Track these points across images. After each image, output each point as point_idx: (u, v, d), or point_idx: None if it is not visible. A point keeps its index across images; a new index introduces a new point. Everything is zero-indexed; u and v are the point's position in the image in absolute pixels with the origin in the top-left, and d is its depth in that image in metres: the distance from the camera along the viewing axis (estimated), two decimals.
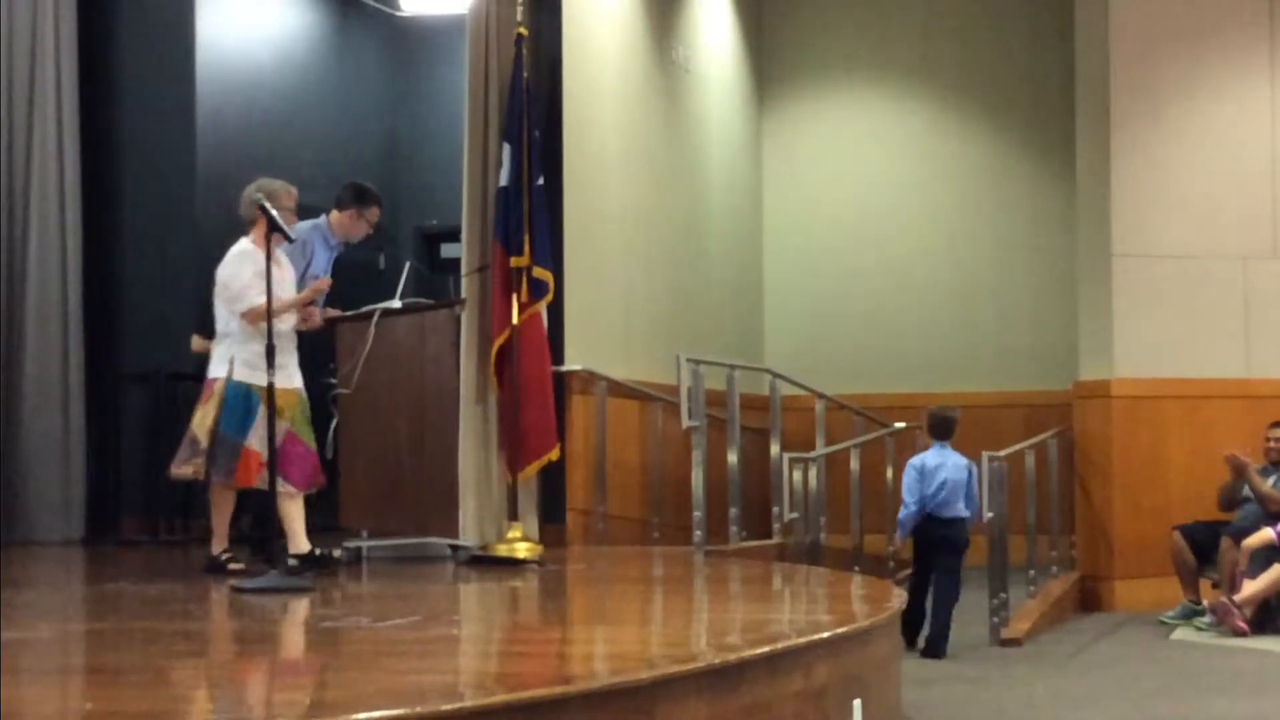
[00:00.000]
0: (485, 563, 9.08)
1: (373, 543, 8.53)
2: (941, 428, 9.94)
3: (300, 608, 6.97)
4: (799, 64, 15.38)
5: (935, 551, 9.62)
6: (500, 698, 4.24)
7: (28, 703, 4.46)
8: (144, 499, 11.69)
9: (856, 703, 5.75)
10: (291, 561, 8.13)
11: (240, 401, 8.12)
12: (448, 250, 13.05)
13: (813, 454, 11.52)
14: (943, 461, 9.73)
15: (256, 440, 8.07)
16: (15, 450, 11.61)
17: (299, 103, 12.87)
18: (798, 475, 10.97)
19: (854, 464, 12.21)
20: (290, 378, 8.26)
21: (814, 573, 9.04)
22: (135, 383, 11.65)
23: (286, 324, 8.28)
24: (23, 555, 10.53)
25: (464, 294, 9.72)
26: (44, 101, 11.86)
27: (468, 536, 9.36)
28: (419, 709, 4.03)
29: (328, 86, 13.26)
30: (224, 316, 8.25)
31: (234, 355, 8.17)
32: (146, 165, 12.08)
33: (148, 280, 11.81)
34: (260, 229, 8.22)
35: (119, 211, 12.18)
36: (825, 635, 5.62)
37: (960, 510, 9.63)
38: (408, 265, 9.99)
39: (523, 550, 9.21)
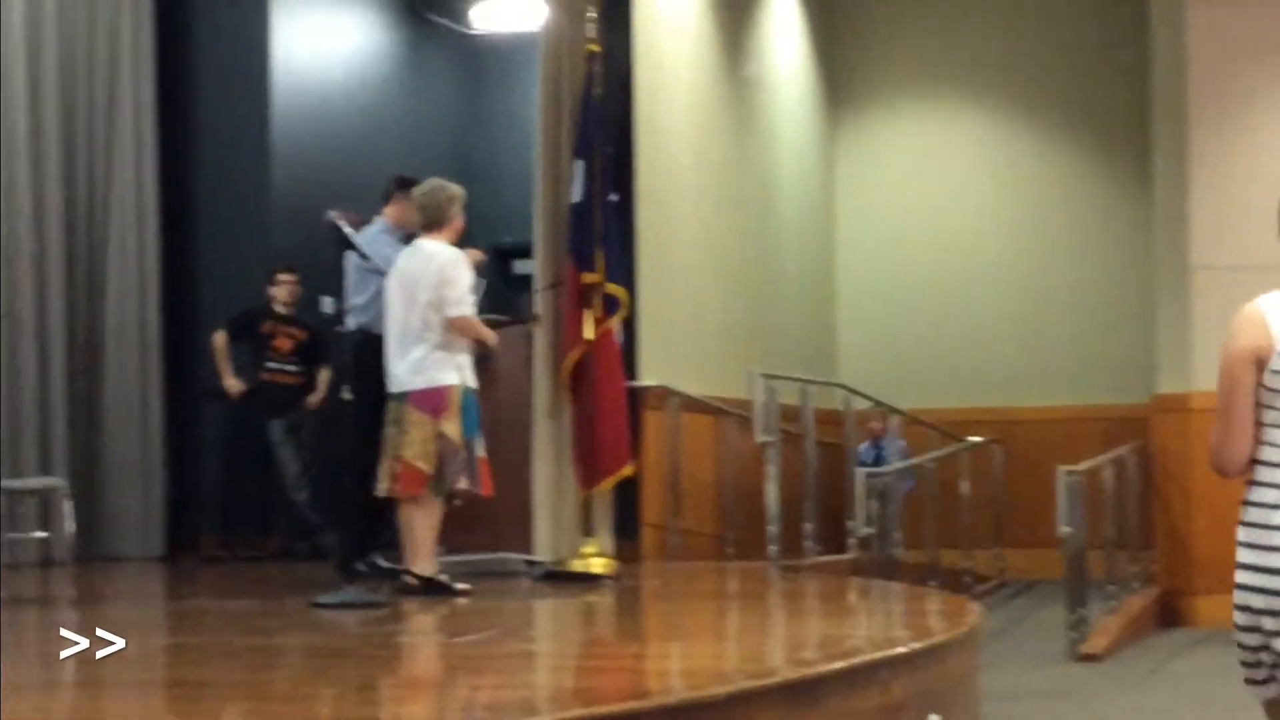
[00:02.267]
0: (560, 578, 9.08)
1: (448, 558, 8.54)
2: None
3: (377, 624, 7.00)
4: (871, 76, 15.35)
5: None
6: (576, 713, 4.24)
7: (113, 716, 4.50)
8: (222, 516, 11.77)
9: (934, 718, 5.72)
10: (411, 580, 8.03)
11: (475, 408, 8.06)
12: (520, 267, 13.07)
13: (887, 469, 11.47)
14: None
15: (481, 447, 8.09)
16: (97, 468, 11.72)
17: (372, 121, 12.94)
18: (873, 490, 10.93)
19: (929, 479, 12.15)
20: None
21: (890, 588, 9.01)
22: (212, 400, 11.73)
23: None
24: (104, 571, 10.64)
25: (537, 310, 9.74)
26: (122, 121, 11.99)
27: (543, 552, 9.37)
28: None
29: (400, 104, 13.33)
30: (436, 322, 8.05)
31: (460, 362, 8.06)
32: (222, 184, 12.19)
33: (223, 298, 11.89)
34: (450, 232, 8.25)
35: (195, 230, 12.29)
36: (902, 650, 5.59)
37: None
38: (481, 282, 10.02)
39: (598, 565, 9.21)
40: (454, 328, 8.01)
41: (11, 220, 11.15)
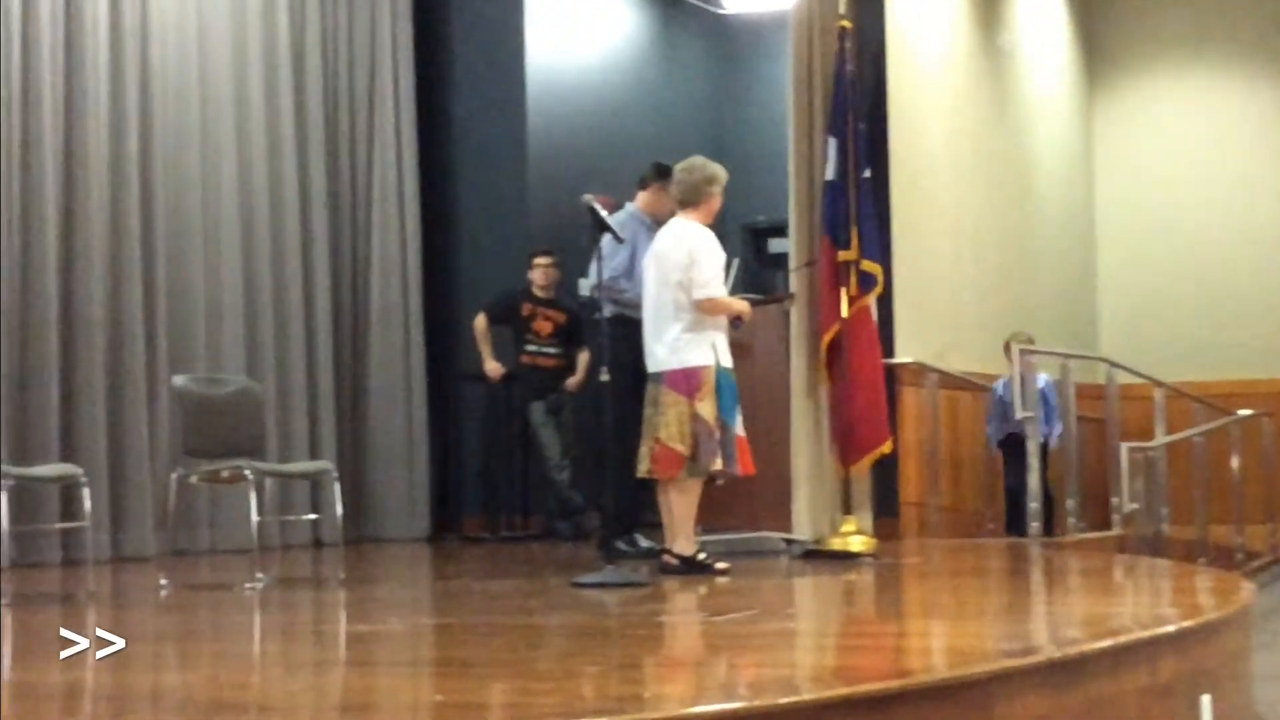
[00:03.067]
0: (819, 557, 9.07)
1: (707, 538, 8.57)
2: None
3: (637, 603, 7.06)
4: (1131, 44, 15.00)
5: None
6: (838, 691, 4.23)
7: (382, 693, 4.61)
8: (484, 497, 11.98)
9: (1205, 699, 5.58)
10: (671, 560, 8.09)
11: (731, 389, 8.02)
12: (775, 245, 13.08)
13: (1153, 443, 11.24)
14: None
15: (740, 426, 8.06)
16: (364, 452, 12.03)
17: (625, 103, 13.05)
18: (1138, 465, 10.71)
19: (1197, 453, 11.87)
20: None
21: (1157, 565, 8.82)
22: (472, 384, 11.93)
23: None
24: (372, 552, 10.91)
25: (793, 289, 9.73)
26: (383, 113, 12.27)
27: (801, 531, 9.36)
28: (757, 702, 4.05)
29: (653, 86, 13.41)
30: (687, 302, 8.02)
31: (714, 341, 8.04)
32: (479, 170, 12.40)
33: (482, 282, 12.09)
34: (704, 212, 8.24)
35: (454, 216, 12.52)
36: (1171, 629, 5.47)
37: None
38: (735, 261, 10.03)
39: (857, 544, 9.17)
40: (702, 310, 8.02)
41: (279, 214, 11.49)
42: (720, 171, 8.35)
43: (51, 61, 10.08)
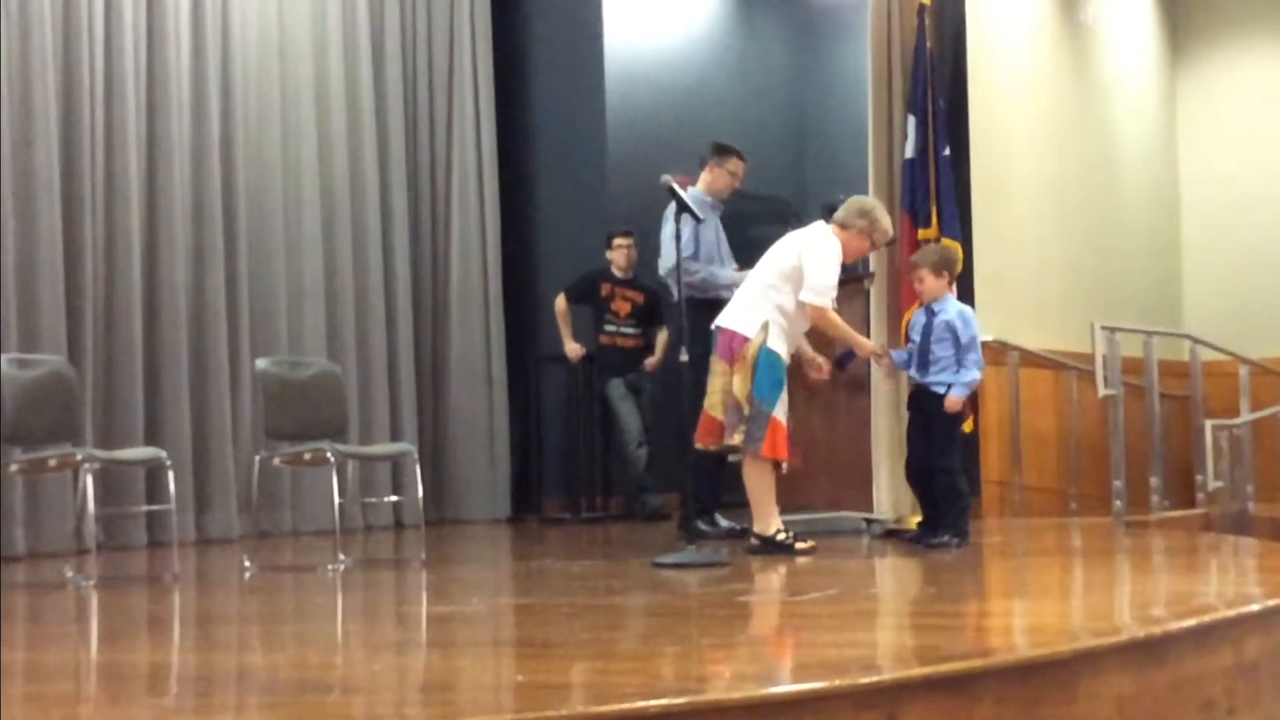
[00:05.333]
0: (900, 536, 9.04)
1: (787, 517, 8.56)
2: None
3: (718, 583, 7.06)
4: (1216, 14, 14.81)
5: None
6: (919, 670, 4.22)
7: (464, 674, 4.63)
8: (564, 478, 12.00)
9: None
10: (753, 539, 8.13)
11: (771, 370, 7.91)
12: None
13: (1238, 420, 11.13)
14: None
15: (782, 411, 7.95)
16: (445, 433, 12.09)
17: (704, 84, 13.02)
18: (1222, 443, 10.61)
19: None
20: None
21: (1242, 543, 8.73)
22: (552, 365, 11.96)
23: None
24: (453, 534, 10.96)
25: (873, 267, 9.70)
26: (462, 95, 12.31)
27: (882, 510, 9.34)
28: (838, 682, 4.04)
29: (732, 66, 13.37)
30: (776, 284, 8.01)
31: (769, 320, 7.98)
32: (559, 152, 12.42)
33: (561, 263, 12.12)
34: (846, 238, 8.12)
35: (534, 199, 12.55)
36: (1256, 608, 5.42)
37: None
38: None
39: None
40: (805, 313, 7.98)
41: (359, 198, 11.56)
42: (880, 216, 8.22)
43: (134, 48, 10.17)
